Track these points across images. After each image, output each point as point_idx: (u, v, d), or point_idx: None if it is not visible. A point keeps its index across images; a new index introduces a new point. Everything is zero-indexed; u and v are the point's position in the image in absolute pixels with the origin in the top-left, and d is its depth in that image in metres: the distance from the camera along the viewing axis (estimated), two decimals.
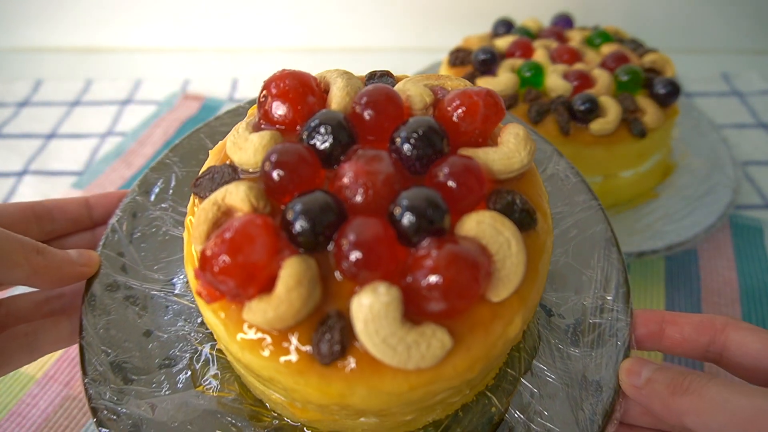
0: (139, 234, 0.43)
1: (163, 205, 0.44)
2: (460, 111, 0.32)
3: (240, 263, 0.26)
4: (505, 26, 0.72)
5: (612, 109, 0.58)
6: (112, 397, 0.35)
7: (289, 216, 0.28)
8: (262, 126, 0.35)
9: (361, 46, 0.97)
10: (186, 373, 0.38)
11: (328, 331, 0.27)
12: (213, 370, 0.38)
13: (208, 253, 0.27)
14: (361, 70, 0.39)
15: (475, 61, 0.64)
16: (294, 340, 0.28)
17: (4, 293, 0.38)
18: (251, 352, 0.29)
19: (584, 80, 0.60)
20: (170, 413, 0.35)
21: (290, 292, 0.27)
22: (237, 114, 0.48)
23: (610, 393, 0.35)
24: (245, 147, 0.33)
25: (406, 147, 0.31)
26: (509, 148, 0.32)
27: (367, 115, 0.32)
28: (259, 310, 0.27)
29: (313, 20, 0.97)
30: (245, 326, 0.29)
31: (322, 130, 0.31)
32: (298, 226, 0.28)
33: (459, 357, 0.28)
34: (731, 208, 0.60)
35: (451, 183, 0.29)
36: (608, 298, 0.39)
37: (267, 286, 0.27)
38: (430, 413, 0.34)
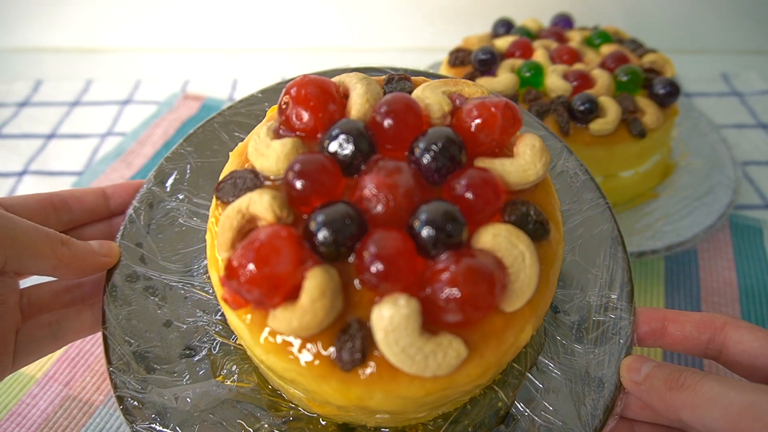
0: (155, 225, 0.43)
1: (179, 196, 0.45)
2: (478, 122, 0.33)
3: (266, 274, 0.27)
4: (505, 26, 0.72)
5: (612, 110, 0.58)
6: (136, 386, 0.37)
7: (313, 227, 0.29)
8: (282, 132, 0.35)
9: (361, 46, 0.97)
10: (206, 363, 0.39)
11: (349, 340, 0.28)
12: (232, 360, 0.40)
13: (235, 263, 0.28)
14: None
15: (475, 61, 0.64)
16: (317, 346, 0.29)
17: (24, 283, 0.39)
18: (275, 356, 0.30)
19: (584, 80, 0.60)
20: (192, 402, 0.37)
21: (314, 303, 0.28)
22: (250, 103, 0.48)
23: (612, 389, 0.36)
24: (267, 154, 0.33)
25: (426, 158, 0.31)
26: (525, 160, 0.32)
27: (386, 124, 0.32)
28: (284, 319, 0.28)
29: (313, 20, 0.97)
30: (269, 331, 0.30)
31: (343, 139, 0.32)
32: (322, 237, 0.29)
33: (473, 365, 0.29)
34: (731, 208, 0.60)
35: (468, 195, 0.30)
36: (613, 296, 0.40)
37: (291, 295, 0.28)
38: (441, 409, 0.36)
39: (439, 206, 0.29)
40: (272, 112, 0.37)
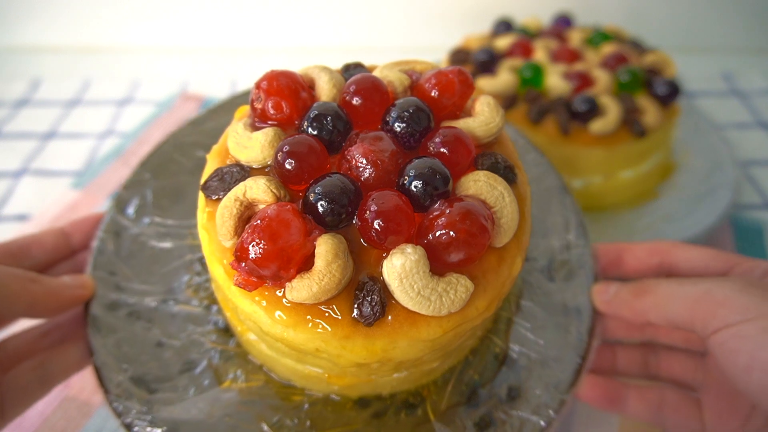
0: (125, 252, 0.44)
1: (145, 221, 0.46)
2: (438, 88, 0.36)
3: (280, 247, 0.28)
4: (505, 26, 0.72)
5: (612, 109, 0.57)
6: (142, 409, 0.36)
7: (313, 199, 0.31)
8: (258, 124, 0.36)
9: (361, 46, 0.97)
10: (208, 374, 0.39)
11: (367, 295, 0.30)
12: (234, 365, 0.40)
13: (246, 243, 0.29)
14: None
15: (475, 61, 0.63)
16: (336, 310, 0.30)
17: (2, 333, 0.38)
18: (295, 330, 0.31)
19: (584, 80, 0.60)
20: (204, 411, 0.37)
21: (330, 265, 0.29)
22: (197, 124, 0.51)
23: (589, 314, 0.41)
24: (251, 145, 0.34)
25: (400, 126, 0.34)
26: (486, 116, 0.36)
27: (357, 102, 0.35)
28: (303, 287, 0.29)
29: (313, 20, 0.97)
30: (285, 308, 0.31)
31: (322, 119, 0.34)
32: (324, 207, 0.30)
33: (479, 298, 0.32)
34: (732, 208, 0.60)
35: (444, 151, 0.33)
36: (570, 237, 0.45)
37: (304, 267, 0.30)
38: (449, 359, 0.39)
39: (423, 162, 0.32)
40: (240, 112, 0.38)
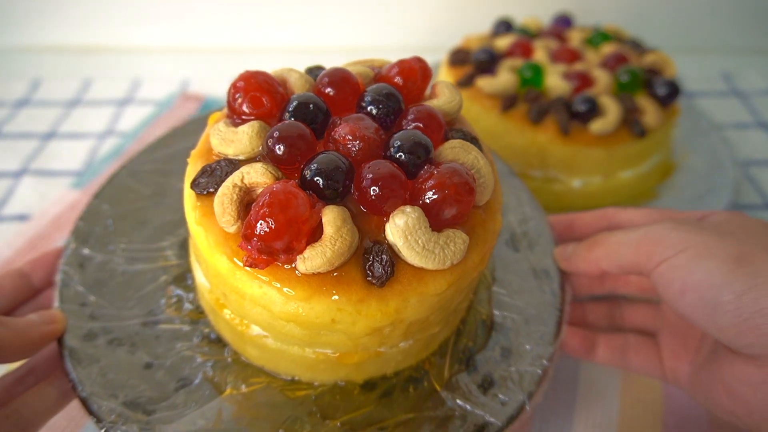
0: (93, 281, 0.43)
1: (109, 248, 0.45)
2: (402, 76, 0.39)
3: (290, 217, 0.30)
4: (505, 26, 0.72)
5: (612, 109, 0.57)
6: (144, 430, 0.35)
7: (310, 175, 0.32)
8: (237, 122, 0.37)
9: (361, 46, 0.97)
10: (206, 386, 0.39)
11: (377, 256, 0.32)
12: (232, 372, 0.40)
13: (256, 220, 0.30)
14: None
15: (475, 61, 0.63)
16: (347, 276, 0.32)
17: None
18: (309, 302, 0.32)
19: (584, 80, 0.60)
20: (212, 420, 0.37)
21: (340, 229, 0.31)
22: (149, 152, 0.52)
23: (557, 273, 0.46)
24: (237, 138, 0.35)
25: (375, 108, 0.36)
26: (447, 96, 0.40)
27: (331, 92, 0.38)
28: (316, 255, 0.30)
29: (313, 20, 0.97)
30: (296, 282, 0.32)
31: (304, 108, 0.36)
32: (323, 181, 0.32)
33: (474, 252, 0.35)
34: (731, 208, 0.60)
35: (419, 125, 0.36)
36: (526, 210, 0.51)
37: (312, 239, 0.31)
38: (446, 327, 0.42)
39: (406, 134, 0.34)
40: (213, 119, 0.39)
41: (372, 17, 0.96)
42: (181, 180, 0.38)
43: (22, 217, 0.64)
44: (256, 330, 0.38)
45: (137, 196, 0.49)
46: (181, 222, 0.49)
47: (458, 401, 0.39)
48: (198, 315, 0.43)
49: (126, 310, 0.42)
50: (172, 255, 0.47)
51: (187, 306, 0.44)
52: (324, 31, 0.98)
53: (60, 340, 0.39)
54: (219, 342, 0.42)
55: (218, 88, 0.86)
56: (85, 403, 0.36)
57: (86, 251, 0.45)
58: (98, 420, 0.36)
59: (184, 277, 0.46)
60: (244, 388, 0.39)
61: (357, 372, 0.40)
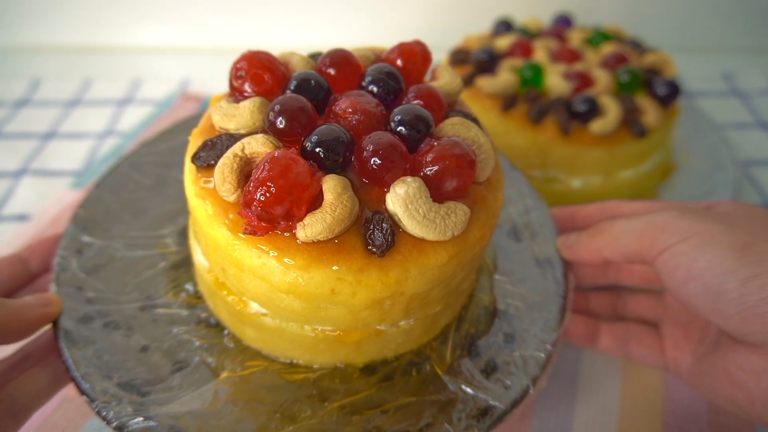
0: (91, 266, 0.43)
1: (109, 234, 0.45)
2: (402, 57, 0.39)
3: (291, 183, 0.29)
4: (505, 26, 0.72)
5: (612, 109, 0.57)
6: (137, 410, 0.35)
7: (310, 146, 0.32)
8: (240, 99, 0.37)
9: (361, 45, 0.97)
10: (203, 368, 0.39)
11: (377, 225, 0.32)
12: (230, 355, 0.40)
13: (256, 185, 0.29)
14: None
15: (475, 61, 0.63)
16: (348, 245, 0.31)
17: None
18: (309, 271, 0.31)
19: (584, 80, 0.60)
20: (207, 404, 0.36)
21: (341, 196, 0.31)
22: (151, 145, 0.52)
23: (560, 262, 0.46)
24: (239, 113, 0.35)
25: (376, 87, 0.36)
26: (447, 79, 0.40)
27: (332, 72, 0.38)
28: (316, 221, 0.30)
29: (313, 20, 0.97)
30: (296, 251, 0.31)
31: (306, 84, 0.36)
32: (323, 152, 0.32)
33: (475, 226, 0.34)
34: None
35: (420, 102, 0.36)
36: (528, 202, 0.50)
37: (312, 207, 0.31)
38: (448, 309, 0.42)
39: (406, 108, 0.34)
40: (215, 99, 0.39)
41: (372, 17, 0.96)
42: (182, 172, 0.38)
43: (21, 217, 0.64)
44: (254, 307, 0.37)
45: (138, 186, 0.49)
46: (181, 211, 0.49)
47: (461, 386, 0.39)
48: (196, 300, 0.43)
49: (123, 294, 0.42)
50: (171, 242, 0.47)
51: (186, 291, 0.44)
52: (324, 31, 0.98)
53: (55, 323, 0.39)
54: (217, 326, 0.42)
55: (218, 88, 0.86)
56: (77, 382, 0.36)
57: (85, 238, 0.45)
58: (91, 400, 0.35)
59: (183, 264, 0.46)
60: (241, 371, 0.39)
61: (357, 353, 0.39)
